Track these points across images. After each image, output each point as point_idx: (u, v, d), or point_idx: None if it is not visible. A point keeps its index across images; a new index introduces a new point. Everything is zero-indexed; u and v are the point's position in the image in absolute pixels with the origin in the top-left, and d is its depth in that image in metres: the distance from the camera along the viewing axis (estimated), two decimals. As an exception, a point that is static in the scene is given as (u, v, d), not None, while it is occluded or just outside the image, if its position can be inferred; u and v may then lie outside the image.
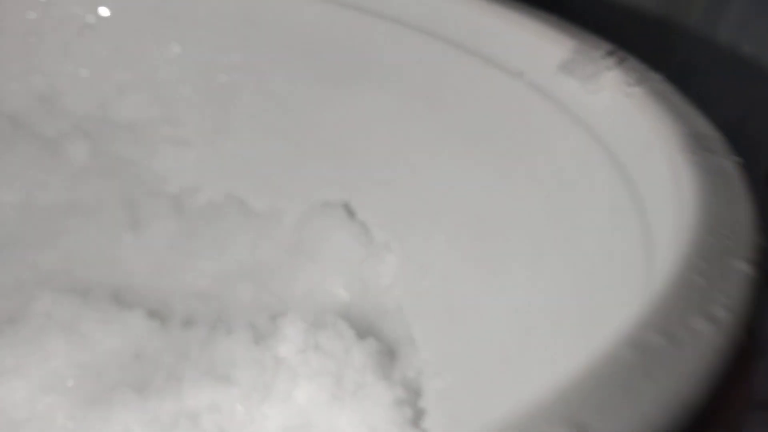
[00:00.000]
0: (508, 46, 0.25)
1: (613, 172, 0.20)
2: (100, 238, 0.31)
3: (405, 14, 0.28)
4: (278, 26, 0.30)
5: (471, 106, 0.27)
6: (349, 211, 0.31)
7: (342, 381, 0.22)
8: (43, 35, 0.32)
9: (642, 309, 0.11)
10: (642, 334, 0.11)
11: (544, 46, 0.24)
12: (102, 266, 0.30)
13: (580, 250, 0.21)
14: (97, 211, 0.31)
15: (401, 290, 0.28)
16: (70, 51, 0.32)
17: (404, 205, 0.29)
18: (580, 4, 0.32)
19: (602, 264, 0.20)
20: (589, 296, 0.20)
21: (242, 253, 0.31)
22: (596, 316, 0.19)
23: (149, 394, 0.23)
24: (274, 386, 0.22)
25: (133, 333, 0.26)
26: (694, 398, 0.10)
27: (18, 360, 0.24)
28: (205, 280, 0.30)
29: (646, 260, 0.17)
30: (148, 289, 0.29)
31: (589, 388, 0.10)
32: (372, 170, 0.30)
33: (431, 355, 0.25)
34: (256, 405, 0.22)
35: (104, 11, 0.32)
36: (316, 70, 0.30)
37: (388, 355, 0.25)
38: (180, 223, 0.31)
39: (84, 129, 0.32)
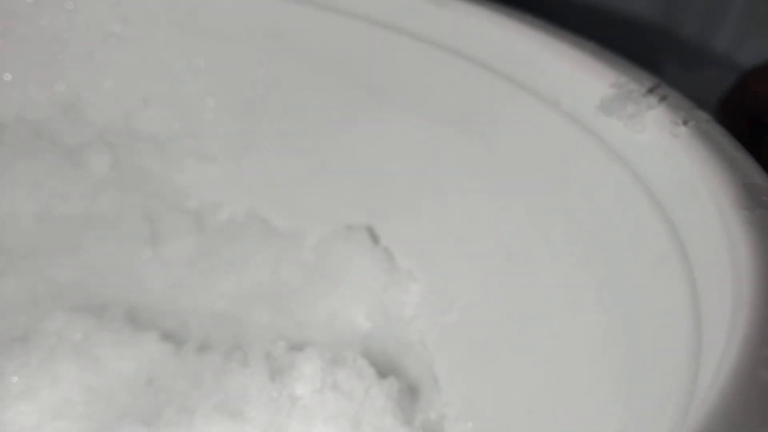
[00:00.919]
0: (546, 74, 0.24)
1: (657, 220, 0.19)
2: (118, 252, 0.30)
3: (438, 36, 0.27)
4: (306, 43, 0.29)
5: (504, 135, 0.26)
6: (373, 236, 0.30)
7: (360, 425, 0.21)
8: (68, 43, 0.31)
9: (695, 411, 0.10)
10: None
11: (584, 77, 0.23)
12: (118, 282, 0.29)
13: (619, 300, 0.20)
14: (116, 224, 0.30)
15: (424, 323, 0.27)
16: (94, 60, 0.32)
17: (430, 234, 0.28)
18: (572, 14, 0.31)
19: (643, 320, 0.19)
20: (628, 354, 0.19)
21: (262, 274, 0.30)
22: (635, 380, 0.18)
23: (159, 427, 0.22)
24: (289, 427, 0.21)
25: (146, 357, 0.25)
26: None
27: (28, 382, 0.23)
28: (223, 302, 0.29)
29: (693, 325, 0.16)
30: (164, 308, 0.29)
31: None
32: (398, 195, 0.29)
33: (454, 397, 0.24)
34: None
35: (131, 21, 0.31)
36: (344, 89, 0.30)
37: (409, 393, 0.24)
38: (200, 239, 0.31)
39: (106, 140, 0.32)
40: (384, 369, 0.25)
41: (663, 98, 0.21)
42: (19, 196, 0.30)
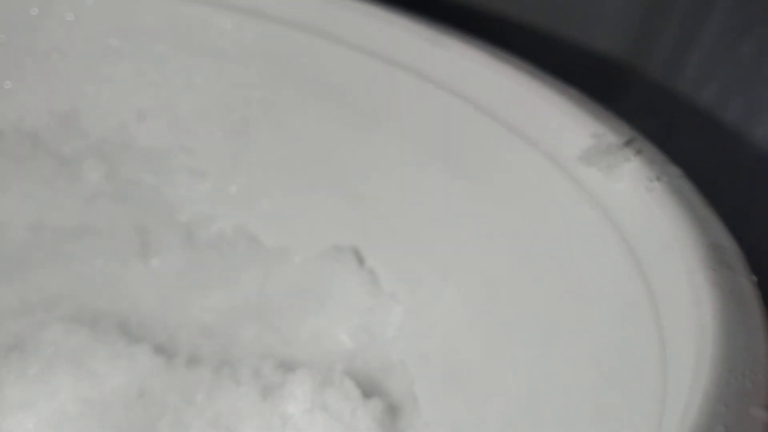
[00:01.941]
0: (533, 119, 0.25)
1: (629, 266, 0.21)
2: (110, 263, 0.31)
3: (432, 72, 0.28)
4: (303, 68, 0.31)
5: (490, 171, 0.27)
6: (359, 257, 0.31)
7: (347, 444, 0.22)
8: (67, 55, 0.32)
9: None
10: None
11: (567, 125, 0.24)
12: (110, 293, 0.30)
13: (592, 337, 0.22)
14: (109, 235, 0.31)
15: (406, 344, 0.29)
16: (93, 73, 0.32)
17: (415, 258, 0.30)
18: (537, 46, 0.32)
19: (614, 357, 0.20)
20: (600, 389, 0.20)
21: (250, 289, 0.31)
22: (606, 413, 0.19)
23: (154, 441, 0.23)
24: (280, 446, 0.22)
25: (139, 369, 0.26)
26: None
27: (26, 393, 0.24)
28: (211, 315, 0.30)
29: (660, 367, 0.18)
30: (154, 320, 0.30)
31: None
32: (385, 219, 0.30)
33: (433, 419, 0.25)
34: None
35: (129, 36, 0.32)
36: (338, 114, 0.31)
37: (390, 413, 0.25)
38: (190, 253, 0.32)
39: (101, 151, 0.32)
40: (367, 388, 0.26)
41: (639, 152, 0.23)
42: (13, 205, 0.31)
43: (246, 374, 0.25)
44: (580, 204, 0.23)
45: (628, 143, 0.23)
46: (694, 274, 0.18)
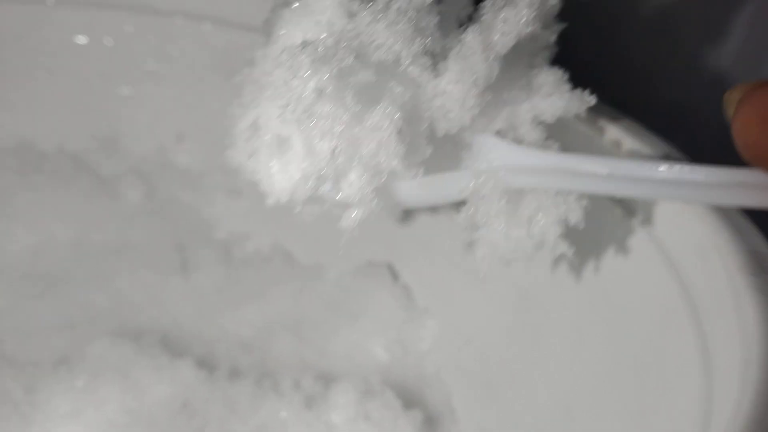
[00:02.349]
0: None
1: (666, 273, 0.21)
2: (150, 280, 0.32)
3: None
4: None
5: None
6: (393, 273, 0.32)
7: (390, 453, 0.23)
8: (109, 79, 0.33)
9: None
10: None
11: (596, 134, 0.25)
12: (150, 309, 0.31)
13: (629, 344, 0.22)
14: (148, 253, 0.32)
15: (441, 356, 0.29)
16: (133, 96, 0.33)
17: (447, 272, 0.30)
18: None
19: (653, 363, 0.21)
20: (638, 395, 0.21)
21: (285, 304, 0.32)
22: (647, 419, 0.20)
23: (201, 451, 0.23)
24: (326, 454, 0.22)
25: (182, 382, 0.26)
26: None
27: (74, 404, 0.25)
28: (249, 330, 0.31)
29: (704, 371, 0.18)
30: (194, 334, 0.30)
31: None
32: (418, 235, 0.31)
33: (471, 429, 0.26)
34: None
35: (169, 60, 0.33)
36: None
37: (428, 424, 0.26)
38: (227, 269, 0.32)
39: (141, 172, 0.33)
40: (405, 399, 0.27)
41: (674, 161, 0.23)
42: (56, 224, 0.32)
43: (287, 386, 0.26)
44: (614, 211, 0.24)
45: (666, 156, 0.23)
46: (734, 280, 0.18)
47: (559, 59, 0.23)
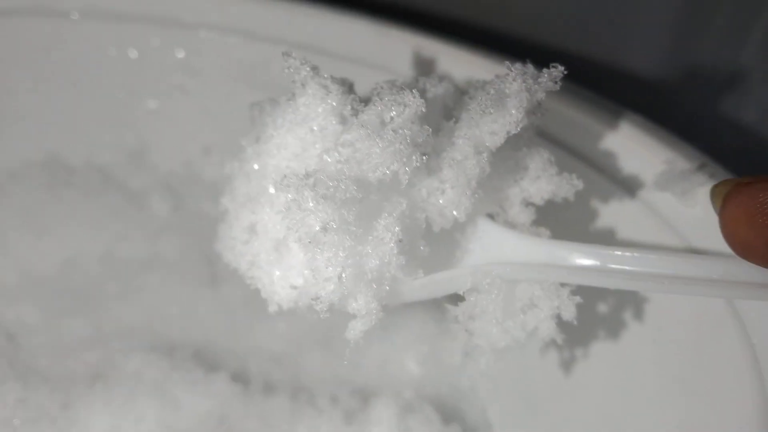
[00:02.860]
0: (602, 145, 0.26)
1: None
2: (180, 293, 0.32)
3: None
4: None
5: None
6: (423, 284, 0.31)
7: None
8: (135, 92, 0.33)
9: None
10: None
11: (638, 151, 0.25)
12: (182, 322, 0.31)
13: (673, 356, 0.22)
14: (177, 266, 0.32)
15: (474, 370, 0.29)
16: (160, 110, 0.33)
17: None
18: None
19: (699, 374, 0.21)
20: (685, 407, 0.21)
21: (314, 317, 0.31)
22: (696, 430, 0.20)
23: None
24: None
25: (218, 397, 0.26)
26: None
27: (113, 421, 0.25)
28: (280, 343, 0.31)
29: (756, 380, 0.18)
30: (226, 348, 0.30)
31: None
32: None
33: (510, 443, 0.26)
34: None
35: (195, 74, 0.33)
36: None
37: (467, 439, 0.26)
38: (255, 282, 0.32)
39: (169, 185, 0.33)
40: (442, 414, 0.27)
41: (711, 176, 0.23)
42: (86, 238, 0.32)
43: (324, 401, 0.26)
44: (654, 229, 0.24)
45: (700, 168, 0.23)
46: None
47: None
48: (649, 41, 0.33)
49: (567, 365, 0.26)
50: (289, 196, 0.19)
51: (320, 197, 0.19)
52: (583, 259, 0.21)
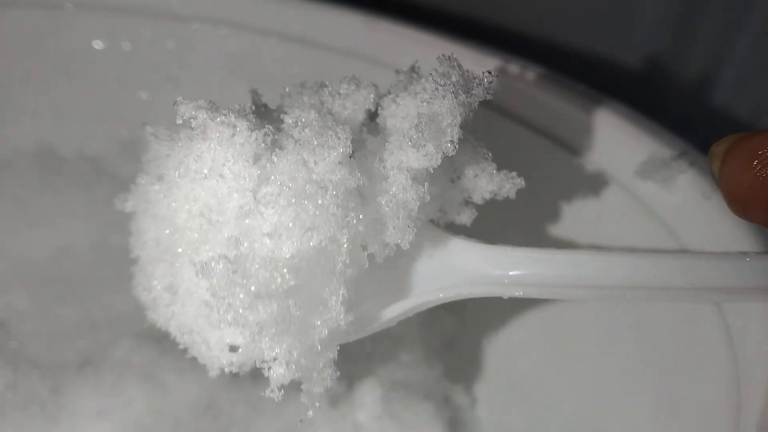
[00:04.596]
0: (584, 134, 0.26)
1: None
2: (170, 282, 0.32)
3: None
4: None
5: (538, 184, 0.28)
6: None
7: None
8: (127, 83, 0.34)
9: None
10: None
11: (621, 139, 0.25)
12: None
13: (654, 339, 0.22)
14: (168, 255, 0.32)
15: (462, 356, 0.29)
16: (151, 100, 0.34)
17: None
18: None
19: (678, 356, 0.21)
20: (665, 389, 0.21)
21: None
22: (674, 411, 0.20)
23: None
24: (354, 452, 0.22)
25: (206, 382, 0.27)
26: None
27: (101, 405, 0.25)
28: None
29: (731, 362, 0.18)
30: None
31: None
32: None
33: (494, 427, 0.26)
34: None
35: (186, 65, 0.34)
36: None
37: (453, 423, 0.26)
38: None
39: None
40: (429, 400, 0.27)
41: (692, 163, 0.24)
42: (78, 227, 0.32)
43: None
44: (636, 216, 0.24)
45: (681, 156, 0.24)
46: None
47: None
48: (644, 35, 0.33)
49: (549, 352, 0.26)
50: (217, 291, 0.17)
51: (253, 296, 0.16)
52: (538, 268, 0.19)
